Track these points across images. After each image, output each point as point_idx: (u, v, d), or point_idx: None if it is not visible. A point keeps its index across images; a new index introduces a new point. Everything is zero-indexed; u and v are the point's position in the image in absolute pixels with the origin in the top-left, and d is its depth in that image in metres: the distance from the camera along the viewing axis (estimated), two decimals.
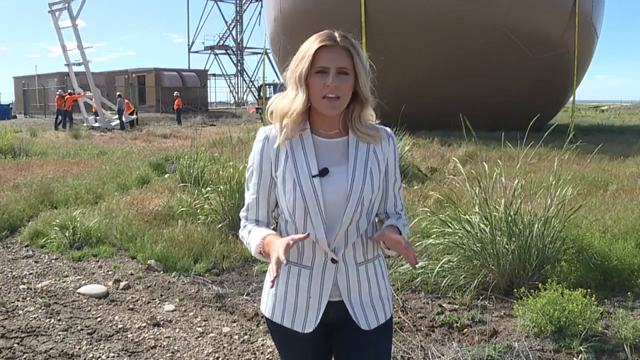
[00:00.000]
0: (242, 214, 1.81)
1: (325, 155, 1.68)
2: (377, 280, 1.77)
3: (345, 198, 1.64)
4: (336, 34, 1.62)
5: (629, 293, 3.91)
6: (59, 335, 3.62)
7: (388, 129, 1.78)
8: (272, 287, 1.51)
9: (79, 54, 25.00)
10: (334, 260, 1.68)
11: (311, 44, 1.62)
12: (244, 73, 58.94)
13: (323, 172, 1.64)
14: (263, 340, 3.57)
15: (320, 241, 1.65)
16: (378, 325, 1.75)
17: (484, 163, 4.67)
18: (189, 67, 53.76)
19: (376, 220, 1.81)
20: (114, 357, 3.35)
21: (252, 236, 1.72)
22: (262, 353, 3.41)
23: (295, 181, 1.64)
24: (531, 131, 4.47)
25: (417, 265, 1.84)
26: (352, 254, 1.71)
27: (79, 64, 25.34)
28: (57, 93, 25.65)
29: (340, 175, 1.65)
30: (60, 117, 24.39)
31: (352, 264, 1.71)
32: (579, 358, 3.17)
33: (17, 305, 4.13)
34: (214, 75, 56.50)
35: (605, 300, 3.99)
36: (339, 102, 1.62)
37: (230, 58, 58.02)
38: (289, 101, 1.64)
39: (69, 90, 26.69)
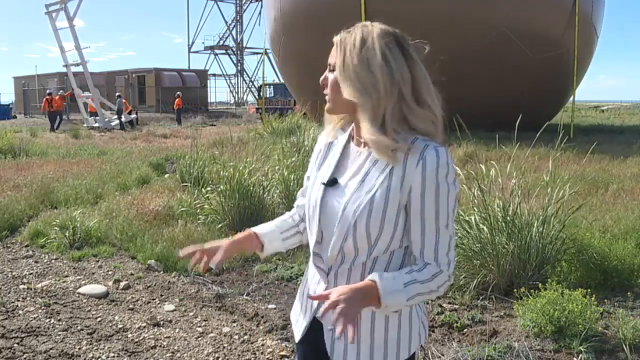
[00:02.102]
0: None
1: (345, 165, 1.49)
2: (381, 320, 1.43)
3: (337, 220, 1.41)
4: (343, 29, 1.47)
5: (629, 293, 3.91)
6: (59, 335, 3.62)
7: (431, 147, 1.34)
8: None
9: (77, 55, 25.01)
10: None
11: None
12: (244, 73, 59.10)
13: (332, 182, 1.47)
14: (263, 340, 3.56)
15: (313, 257, 1.50)
16: None
17: (481, 165, 4.68)
18: (189, 67, 53.85)
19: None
20: (114, 357, 3.35)
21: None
22: (262, 353, 3.41)
23: (311, 185, 1.55)
24: (532, 131, 4.48)
25: None
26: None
27: (77, 64, 25.32)
28: (58, 94, 25.64)
29: (343, 190, 1.44)
30: (58, 119, 24.31)
31: None
32: (579, 358, 3.17)
33: (17, 305, 4.13)
34: (214, 75, 56.69)
35: (605, 300, 3.99)
36: (328, 98, 1.47)
37: (230, 58, 58.15)
38: None
39: (48, 90, 26.42)
